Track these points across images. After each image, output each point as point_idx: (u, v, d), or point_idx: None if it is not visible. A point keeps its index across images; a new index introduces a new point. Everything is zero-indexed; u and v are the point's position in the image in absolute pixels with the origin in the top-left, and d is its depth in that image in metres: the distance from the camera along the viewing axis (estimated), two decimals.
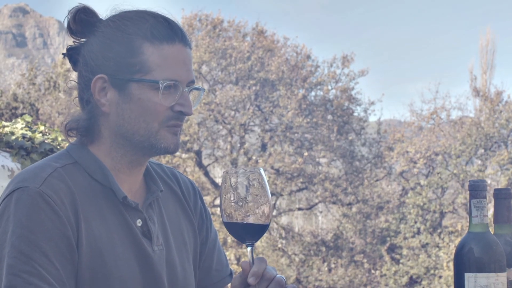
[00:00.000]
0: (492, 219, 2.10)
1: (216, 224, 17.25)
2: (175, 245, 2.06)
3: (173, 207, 2.12)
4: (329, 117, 25.49)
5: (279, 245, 25.11)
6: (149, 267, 1.96)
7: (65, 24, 2.01)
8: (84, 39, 1.99)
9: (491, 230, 1.99)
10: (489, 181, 23.82)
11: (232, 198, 1.88)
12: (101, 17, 2.00)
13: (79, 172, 1.93)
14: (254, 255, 1.91)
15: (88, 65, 1.95)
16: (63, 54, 2.05)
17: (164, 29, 1.95)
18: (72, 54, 2.01)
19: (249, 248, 1.92)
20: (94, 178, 1.94)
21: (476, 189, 1.94)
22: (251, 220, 1.87)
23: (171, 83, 1.93)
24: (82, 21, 1.98)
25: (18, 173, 1.93)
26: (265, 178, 1.92)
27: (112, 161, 1.98)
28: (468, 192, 1.88)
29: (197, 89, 2.02)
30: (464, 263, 1.92)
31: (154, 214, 2.03)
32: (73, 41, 2.01)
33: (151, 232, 1.98)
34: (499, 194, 2.03)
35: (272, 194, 23.73)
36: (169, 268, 2.02)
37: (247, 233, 1.90)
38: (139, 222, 1.97)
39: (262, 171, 1.93)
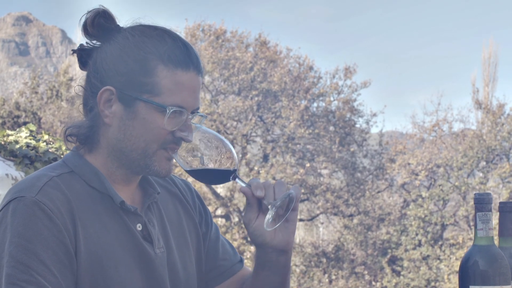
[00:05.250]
0: (497, 232, 2.11)
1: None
2: (177, 246, 2.08)
3: (173, 207, 2.14)
4: (331, 128, 25.49)
5: None
6: (151, 270, 1.97)
7: (81, 24, 1.99)
8: (98, 43, 1.99)
9: (496, 243, 2.00)
10: None
11: (184, 154, 2.02)
12: (119, 24, 2.00)
13: (75, 180, 1.94)
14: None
15: (98, 73, 1.95)
16: (72, 50, 2.03)
17: (181, 55, 1.95)
18: (83, 54, 2.01)
19: (236, 180, 2.02)
20: (91, 186, 1.95)
21: (482, 202, 1.95)
22: (211, 166, 2.02)
23: (177, 110, 1.93)
24: (100, 25, 1.98)
25: (15, 184, 1.95)
26: (208, 130, 2.04)
27: (108, 171, 1.99)
28: (469, 204, 1.89)
29: (200, 115, 2.03)
30: (469, 275, 1.93)
31: (154, 217, 2.05)
32: (87, 43, 2.01)
33: (151, 236, 2.00)
34: (504, 207, 2.04)
35: None
36: (171, 270, 2.03)
37: (215, 176, 2.04)
38: (139, 227, 1.98)
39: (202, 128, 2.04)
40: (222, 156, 2.01)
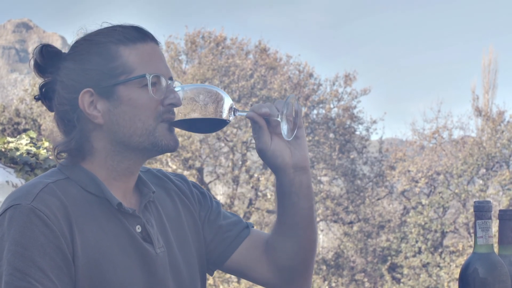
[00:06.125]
0: (497, 240, 2.11)
1: None
2: (177, 243, 2.09)
3: (171, 203, 2.15)
4: (331, 135, 25.51)
5: None
6: (153, 271, 1.98)
7: (32, 65, 2.03)
8: (54, 73, 2.01)
9: (495, 250, 2.01)
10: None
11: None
12: (64, 52, 2.04)
13: (71, 186, 1.95)
14: None
15: (68, 87, 1.97)
16: (35, 97, 2.08)
17: (134, 32, 2.00)
18: (47, 89, 2.04)
19: (237, 114, 2.06)
20: (87, 191, 1.96)
21: (481, 210, 1.95)
22: (211, 115, 2.03)
23: (156, 76, 1.97)
24: (49, 53, 2.01)
25: (11, 192, 1.96)
26: (191, 85, 2.05)
27: (107, 171, 2.00)
28: (469, 211, 1.90)
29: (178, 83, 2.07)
30: (469, 283, 1.93)
31: (152, 216, 2.06)
32: (45, 79, 2.04)
33: (150, 236, 2.01)
34: (504, 215, 2.04)
35: (274, 212, 23.80)
36: (173, 269, 2.05)
37: (207, 125, 2.05)
38: (138, 228, 1.99)
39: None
40: (217, 102, 2.04)
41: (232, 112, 2.05)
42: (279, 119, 2.02)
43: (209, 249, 2.19)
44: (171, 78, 2.02)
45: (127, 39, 1.98)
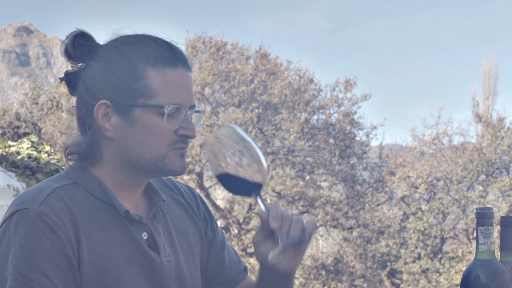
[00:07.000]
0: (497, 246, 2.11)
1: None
2: (183, 253, 2.09)
3: (179, 215, 2.14)
4: (331, 141, 25.49)
5: None
6: (157, 279, 1.98)
7: (63, 49, 2.01)
8: (82, 64, 2.00)
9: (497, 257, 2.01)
10: None
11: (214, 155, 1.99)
12: (99, 42, 2.00)
13: (79, 191, 1.95)
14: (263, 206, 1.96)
15: (89, 91, 1.96)
16: (60, 78, 2.05)
17: (166, 53, 1.96)
18: (70, 78, 2.02)
19: (258, 199, 1.97)
20: (94, 196, 1.95)
21: (483, 217, 1.95)
22: (241, 174, 1.96)
23: (175, 107, 1.94)
24: (80, 46, 1.98)
25: (18, 196, 1.95)
26: (240, 132, 2.00)
27: (114, 181, 1.99)
28: (469, 217, 1.90)
29: (198, 111, 2.03)
30: None
31: (160, 225, 2.05)
32: (72, 66, 2.01)
33: (157, 244, 2.00)
34: (505, 222, 2.05)
35: None
36: (178, 278, 2.04)
37: (244, 186, 1.97)
38: (144, 235, 1.99)
39: (235, 127, 2.01)
40: (253, 167, 1.98)
41: (255, 192, 1.99)
42: (280, 242, 1.94)
43: (207, 274, 2.20)
44: (193, 106, 1.99)
45: (157, 60, 1.94)
